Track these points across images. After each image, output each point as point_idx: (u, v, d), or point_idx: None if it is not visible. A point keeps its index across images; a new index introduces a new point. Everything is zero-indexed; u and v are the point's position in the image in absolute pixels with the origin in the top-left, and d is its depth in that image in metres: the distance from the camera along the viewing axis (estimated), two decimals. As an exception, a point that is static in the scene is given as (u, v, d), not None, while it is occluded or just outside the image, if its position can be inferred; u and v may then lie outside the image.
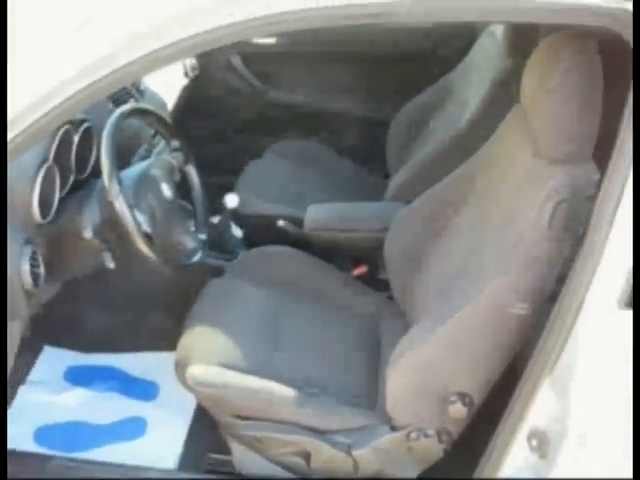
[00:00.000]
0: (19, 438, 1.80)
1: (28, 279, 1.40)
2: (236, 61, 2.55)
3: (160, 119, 1.72)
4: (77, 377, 2.01)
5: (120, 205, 1.42)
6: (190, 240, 1.73)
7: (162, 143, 1.90)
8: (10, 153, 1.01)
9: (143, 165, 1.68)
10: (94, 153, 1.73)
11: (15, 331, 1.42)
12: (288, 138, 2.55)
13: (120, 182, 1.44)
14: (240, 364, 1.51)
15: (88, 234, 1.45)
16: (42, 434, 1.84)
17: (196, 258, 1.70)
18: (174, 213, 1.70)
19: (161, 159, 1.75)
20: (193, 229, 1.78)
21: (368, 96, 2.60)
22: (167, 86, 2.31)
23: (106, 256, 1.50)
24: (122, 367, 2.04)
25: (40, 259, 1.45)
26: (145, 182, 1.60)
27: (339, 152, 2.52)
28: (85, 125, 1.64)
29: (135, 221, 1.44)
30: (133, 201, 1.50)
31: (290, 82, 2.62)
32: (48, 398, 1.93)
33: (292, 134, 2.60)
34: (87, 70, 0.98)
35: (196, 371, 1.48)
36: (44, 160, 1.46)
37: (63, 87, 0.98)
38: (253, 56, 2.54)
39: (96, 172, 1.66)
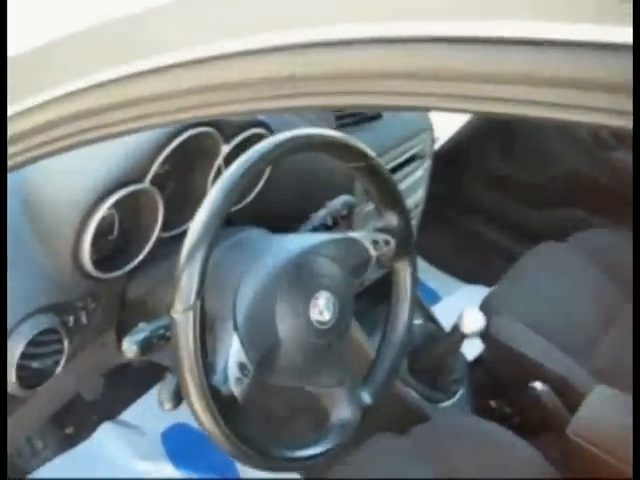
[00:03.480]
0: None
1: (11, 378, 0.72)
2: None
3: (373, 169, 0.78)
4: (176, 445, 1.45)
5: (185, 325, 0.58)
6: (339, 404, 0.75)
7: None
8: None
9: (310, 241, 0.75)
10: (262, 180, 0.96)
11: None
12: (607, 227, 1.64)
13: (203, 273, 0.60)
14: None
15: (130, 352, 0.64)
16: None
17: (327, 446, 0.72)
18: (319, 350, 0.72)
19: (351, 240, 0.78)
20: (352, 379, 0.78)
21: None
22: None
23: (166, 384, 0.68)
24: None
25: (65, 344, 0.77)
26: (292, 277, 0.70)
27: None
28: (253, 131, 0.89)
29: (200, 352, 0.59)
30: (251, 307, 0.66)
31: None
32: (124, 453, 1.40)
33: (617, 222, 1.68)
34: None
35: None
36: (134, 180, 0.75)
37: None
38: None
39: (255, 214, 0.93)
